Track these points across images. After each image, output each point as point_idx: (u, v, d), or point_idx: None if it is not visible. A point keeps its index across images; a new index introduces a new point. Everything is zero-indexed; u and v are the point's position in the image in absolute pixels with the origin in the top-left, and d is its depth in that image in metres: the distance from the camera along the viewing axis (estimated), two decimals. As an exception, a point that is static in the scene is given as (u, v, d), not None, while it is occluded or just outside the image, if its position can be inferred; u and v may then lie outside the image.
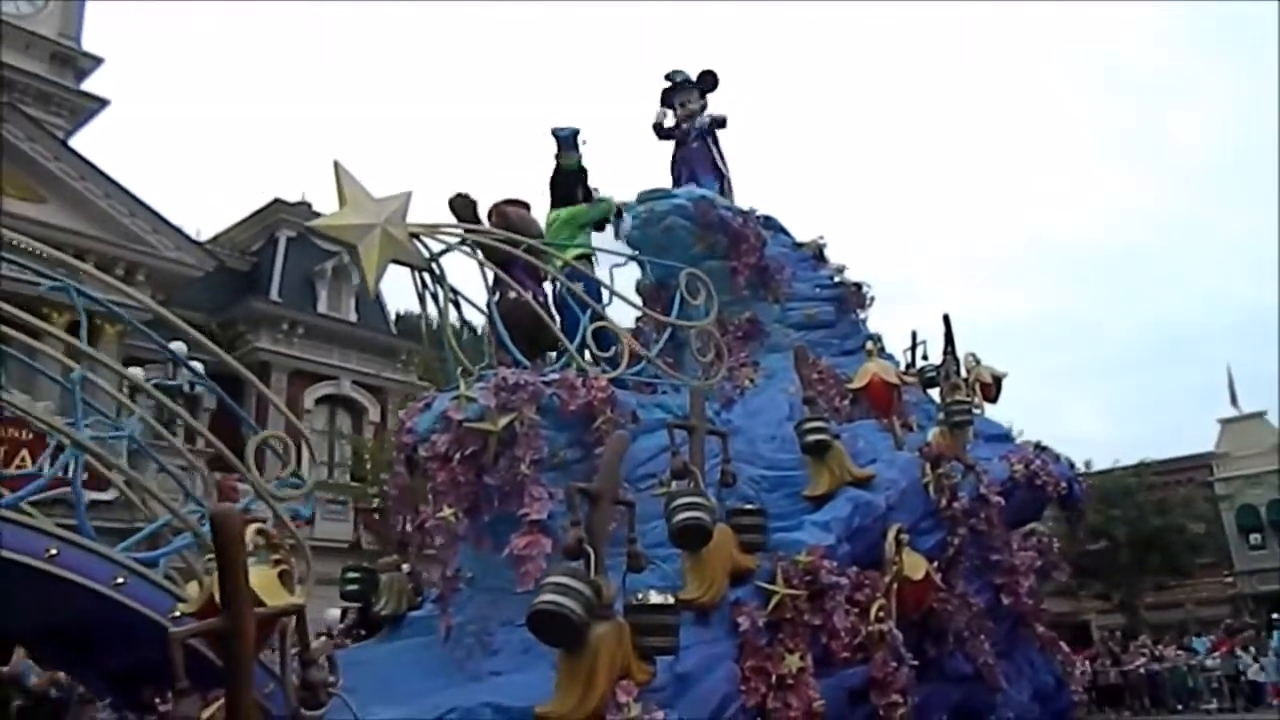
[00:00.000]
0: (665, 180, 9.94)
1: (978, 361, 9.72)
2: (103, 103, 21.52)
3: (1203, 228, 79.25)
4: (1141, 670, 19.55)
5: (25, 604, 3.70)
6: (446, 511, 5.49)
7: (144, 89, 67.52)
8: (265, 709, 3.69)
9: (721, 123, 10.13)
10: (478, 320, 6.76)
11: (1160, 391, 75.43)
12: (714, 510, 5.47)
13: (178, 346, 7.13)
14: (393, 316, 27.65)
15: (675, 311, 7.27)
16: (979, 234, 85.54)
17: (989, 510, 7.41)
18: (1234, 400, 35.56)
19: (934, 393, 9.27)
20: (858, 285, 9.94)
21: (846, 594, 5.90)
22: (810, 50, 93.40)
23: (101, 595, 3.63)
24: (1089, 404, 73.35)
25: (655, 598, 4.85)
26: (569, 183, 8.14)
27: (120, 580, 3.67)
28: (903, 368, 9.38)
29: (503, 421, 5.53)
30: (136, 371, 8.22)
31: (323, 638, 7.24)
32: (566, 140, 8.17)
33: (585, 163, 8.26)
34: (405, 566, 7.33)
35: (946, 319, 9.30)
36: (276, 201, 25.44)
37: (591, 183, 8.32)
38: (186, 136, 74.22)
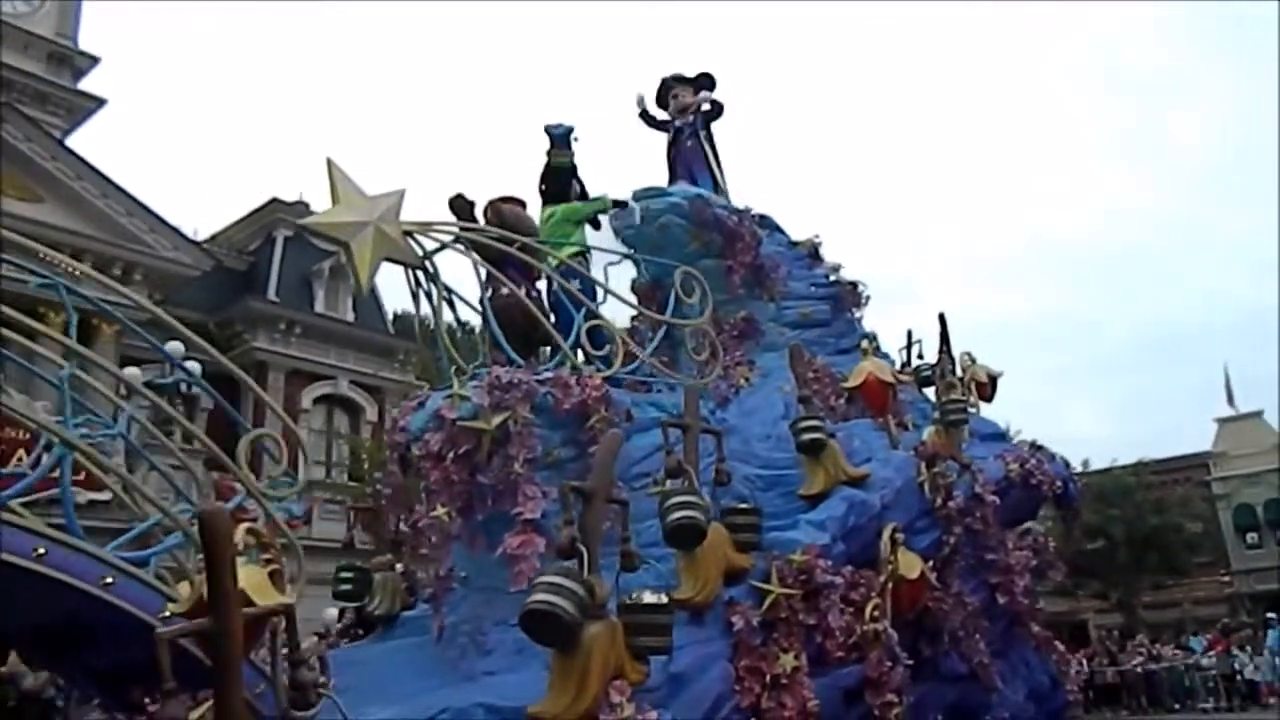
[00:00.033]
0: (659, 179, 9.94)
1: (973, 360, 9.71)
2: (100, 102, 21.52)
3: (1203, 228, 79.38)
4: (1139, 669, 19.57)
5: (13, 603, 3.68)
6: (440, 510, 5.49)
7: (141, 88, 67.53)
8: (255, 709, 3.68)
9: (717, 111, 10.11)
10: (472, 319, 6.75)
11: (1159, 391, 75.58)
12: (708, 509, 5.46)
13: (175, 347, 7.11)
14: (390, 316, 27.63)
15: (670, 310, 7.26)
16: (979, 234, 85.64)
17: (984, 509, 7.40)
18: (1230, 400, 35.68)
19: (929, 392, 9.27)
20: (853, 284, 9.95)
21: (841, 593, 5.88)
22: (811, 50, 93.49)
23: (90, 595, 3.61)
24: (1088, 404, 73.51)
25: (649, 597, 4.84)
26: (561, 181, 8.13)
27: (109, 580, 3.65)
28: (898, 366, 9.38)
29: (496, 420, 5.51)
30: (133, 371, 8.20)
31: (314, 638, 7.22)
32: (560, 138, 8.15)
33: (577, 161, 8.26)
34: (399, 566, 7.32)
35: (942, 318, 9.31)
36: (274, 201, 25.42)
37: (584, 181, 8.31)
38: (184, 136, 74.24)
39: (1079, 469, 27.07)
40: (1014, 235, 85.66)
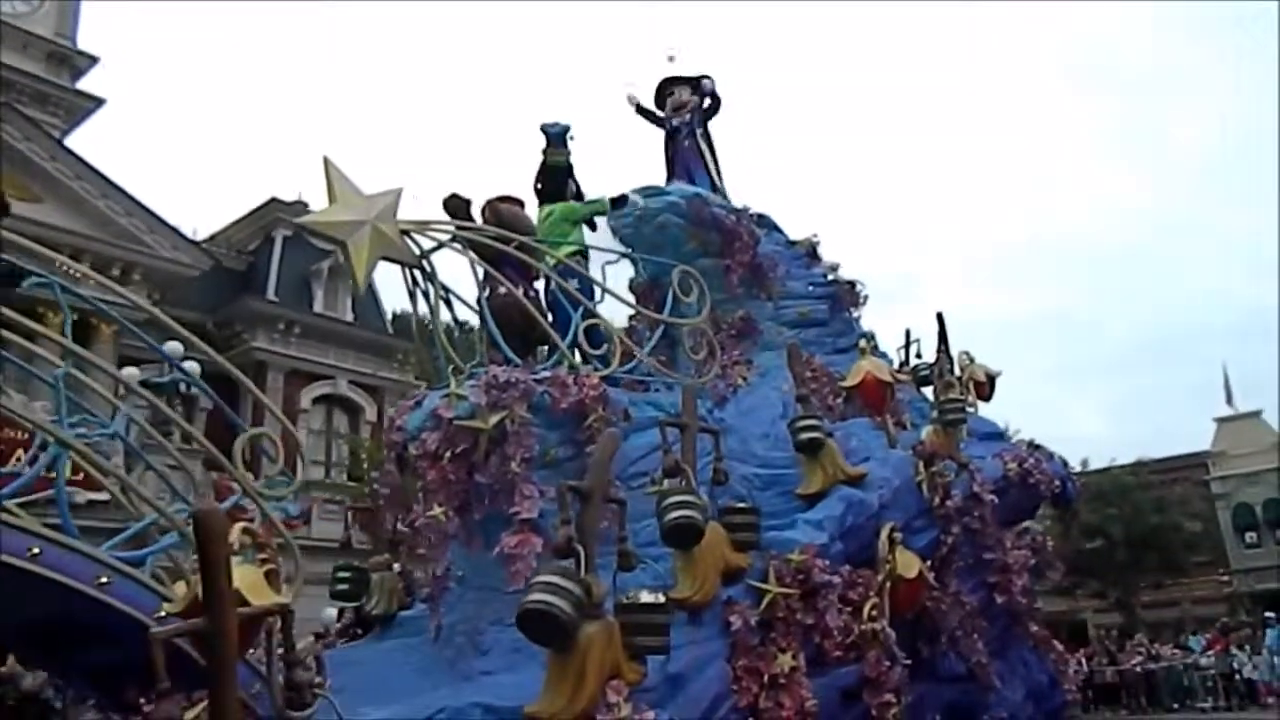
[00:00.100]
0: (656, 178, 9.93)
1: (971, 360, 9.70)
2: (99, 102, 21.51)
3: (1202, 227, 79.45)
4: (1138, 669, 19.56)
5: (7, 603, 3.68)
6: (437, 510, 5.47)
7: (140, 88, 67.49)
8: (251, 709, 3.67)
9: (715, 107, 10.09)
10: (470, 318, 6.75)
11: (1158, 391, 75.60)
12: (706, 509, 5.45)
13: (174, 347, 7.11)
14: (389, 316, 27.63)
15: (668, 309, 7.25)
16: (979, 234, 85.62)
17: (982, 508, 7.40)
18: (1229, 399, 35.71)
19: (927, 391, 9.26)
20: (851, 283, 9.94)
21: (839, 593, 5.87)
22: (811, 49, 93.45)
23: (86, 595, 3.61)
24: (1087, 403, 73.53)
25: (646, 597, 4.82)
26: (558, 179, 8.13)
27: (104, 580, 3.64)
28: (896, 366, 9.37)
29: (493, 419, 5.50)
30: (131, 371, 8.20)
31: (310, 638, 7.22)
32: (556, 137, 8.16)
33: (573, 160, 8.26)
34: (396, 566, 7.31)
35: (940, 317, 9.30)
36: (273, 201, 25.42)
37: (580, 180, 8.31)
38: (183, 135, 74.21)
39: (1078, 468, 27.13)
40: (1014, 235, 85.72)
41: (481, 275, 6.19)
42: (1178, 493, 32.08)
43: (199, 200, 68.55)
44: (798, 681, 5.37)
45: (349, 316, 25.41)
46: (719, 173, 9.97)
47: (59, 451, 3.97)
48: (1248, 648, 19.36)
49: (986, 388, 9.90)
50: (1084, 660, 18.67)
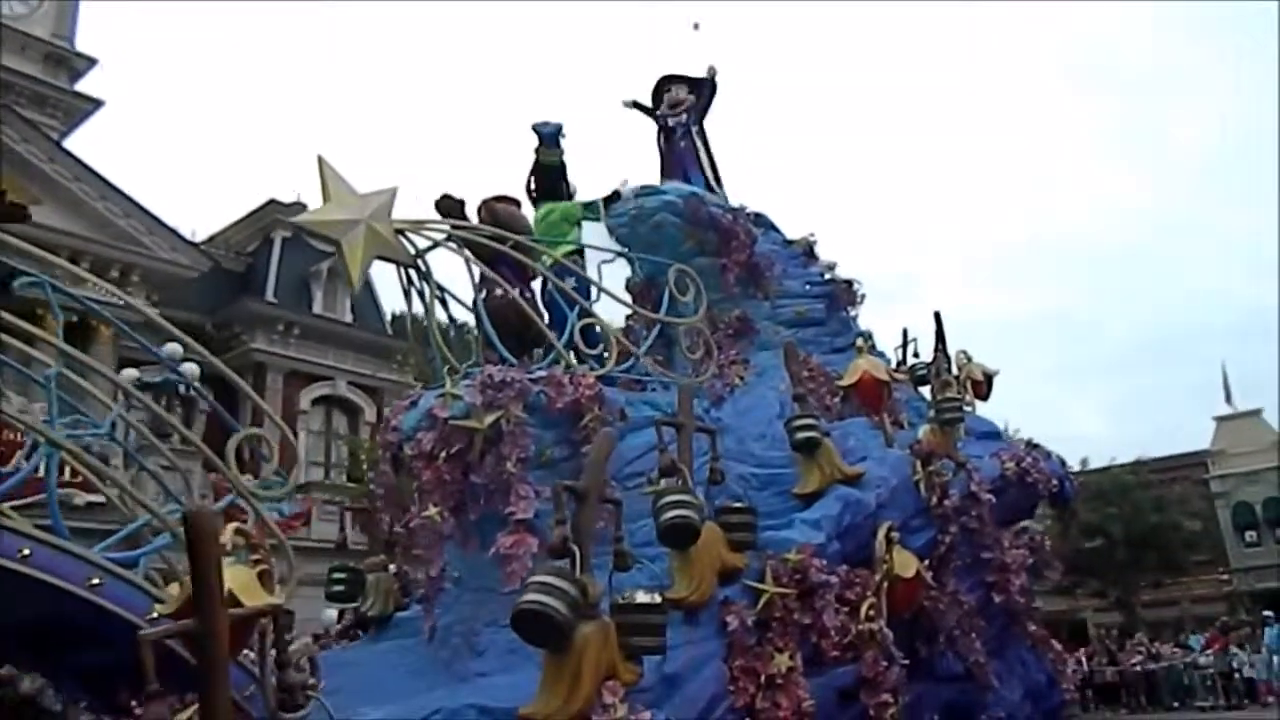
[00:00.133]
0: (651, 178, 9.92)
1: (969, 359, 9.69)
2: (97, 104, 21.50)
3: (1202, 227, 79.42)
4: (1137, 668, 19.56)
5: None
6: (432, 510, 5.46)
7: (138, 90, 67.42)
8: (244, 711, 3.65)
9: (712, 94, 10.07)
10: (466, 317, 6.73)
11: (1158, 390, 75.58)
12: (702, 508, 5.43)
13: (174, 348, 7.10)
14: (388, 317, 27.64)
15: (665, 309, 7.24)
16: (979, 234, 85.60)
17: (980, 508, 7.38)
18: (1229, 398, 35.70)
19: (925, 390, 9.25)
20: (848, 283, 9.91)
21: (836, 592, 5.85)
22: (810, 48, 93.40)
23: (77, 596, 3.59)
24: (1087, 403, 73.53)
25: (642, 597, 4.80)
26: (551, 179, 8.12)
27: (96, 581, 3.63)
28: (894, 365, 9.35)
29: (489, 419, 5.49)
30: (129, 373, 8.19)
31: (305, 639, 7.19)
32: (549, 136, 8.15)
33: (566, 159, 8.25)
34: (392, 566, 7.29)
35: (937, 316, 9.29)
36: (271, 202, 25.44)
37: (571, 180, 8.30)
38: (181, 137, 74.22)
39: (1078, 468, 27.15)
40: (1014, 235, 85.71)
41: (477, 275, 6.18)
42: (1177, 492, 32.08)
43: (198, 202, 68.63)
44: (795, 681, 5.35)
45: (348, 317, 25.42)
46: (715, 172, 9.96)
47: (50, 451, 3.96)
48: (1247, 646, 19.36)
49: (984, 387, 9.88)
50: (1084, 659, 18.67)
